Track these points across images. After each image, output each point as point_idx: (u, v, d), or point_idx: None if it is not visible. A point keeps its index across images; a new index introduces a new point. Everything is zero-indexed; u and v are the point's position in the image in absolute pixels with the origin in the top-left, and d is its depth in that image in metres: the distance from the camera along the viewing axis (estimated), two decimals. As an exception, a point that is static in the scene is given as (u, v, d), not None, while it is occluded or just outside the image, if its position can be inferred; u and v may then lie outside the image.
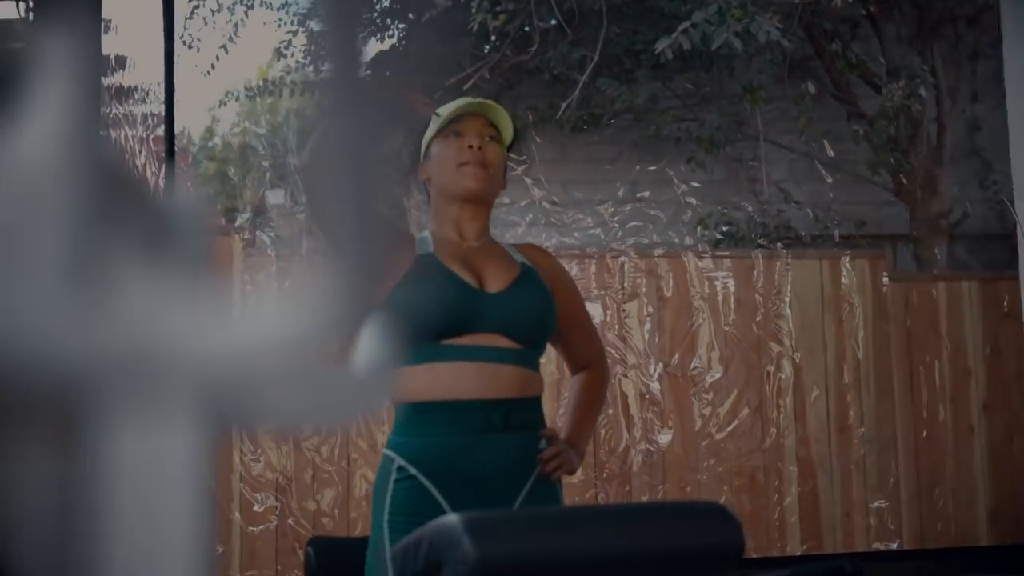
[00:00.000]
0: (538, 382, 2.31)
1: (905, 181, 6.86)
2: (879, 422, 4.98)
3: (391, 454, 2.20)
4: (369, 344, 0.81)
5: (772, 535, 4.82)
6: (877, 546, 4.89)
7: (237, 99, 7.23)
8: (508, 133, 2.38)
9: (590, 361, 2.54)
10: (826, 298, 5.04)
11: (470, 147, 2.29)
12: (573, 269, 4.82)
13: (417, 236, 2.33)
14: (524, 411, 2.25)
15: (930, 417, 5.03)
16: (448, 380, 2.17)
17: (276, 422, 0.61)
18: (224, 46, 7.50)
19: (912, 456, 4.99)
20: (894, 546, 4.90)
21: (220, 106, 7.62)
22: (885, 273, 5.10)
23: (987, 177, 7.56)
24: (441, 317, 2.18)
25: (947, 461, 5.02)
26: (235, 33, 7.60)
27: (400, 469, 2.18)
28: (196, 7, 7.86)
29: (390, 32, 8.35)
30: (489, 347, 2.20)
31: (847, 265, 5.06)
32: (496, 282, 2.26)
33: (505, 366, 2.21)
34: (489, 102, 2.36)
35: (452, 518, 1.86)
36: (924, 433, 5.01)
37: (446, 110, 2.34)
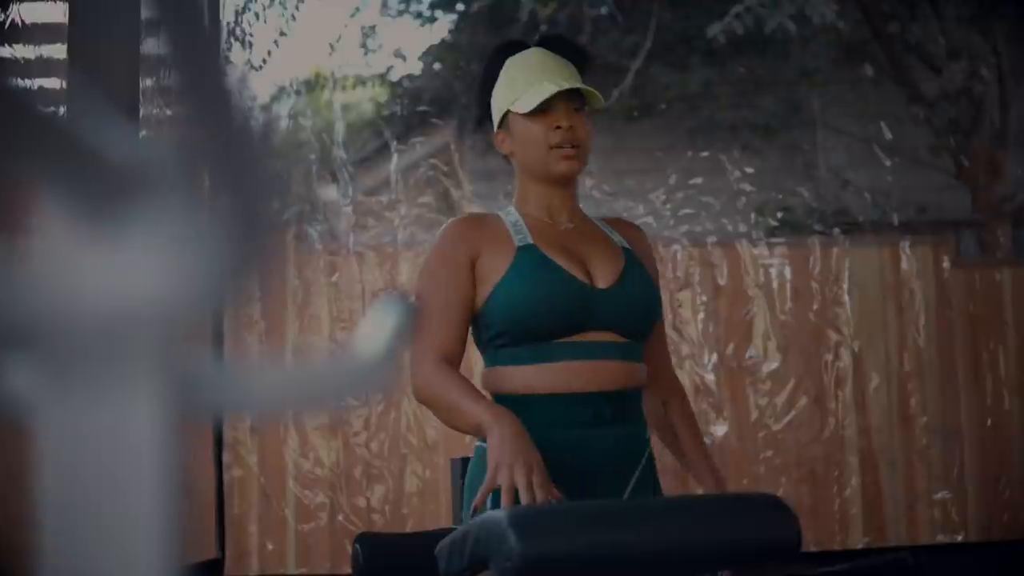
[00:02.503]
0: (643, 373, 2.23)
1: (967, 164, 6.70)
2: (942, 411, 4.85)
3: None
4: (375, 331, 0.75)
5: (833, 528, 4.72)
6: (941, 538, 4.76)
7: (288, 94, 7.23)
8: (595, 99, 2.21)
9: (658, 362, 2.37)
10: (886, 285, 4.92)
11: (558, 128, 2.16)
12: (625, 259, 4.75)
13: (502, 213, 2.23)
14: (631, 402, 2.19)
15: (995, 405, 4.89)
16: (558, 377, 2.09)
17: (252, 408, 0.57)
18: (276, 41, 7.50)
19: (977, 445, 4.86)
20: (959, 538, 4.78)
21: (272, 102, 7.62)
22: (947, 258, 4.97)
23: (1052, 159, 7.38)
24: (552, 318, 2.10)
25: (1013, 450, 4.89)
26: (287, 27, 7.61)
27: None
28: (248, 3, 7.88)
29: (439, 24, 8.32)
30: (599, 343, 2.12)
31: (907, 251, 4.94)
32: (605, 275, 2.17)
33: (614, 362, 2.14)
34: (572, 84, 2.17)
35: (498, 513, 1.80)
36: (989, 422, 4.88)
37: (526, 78, 2.18)
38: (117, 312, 0.44)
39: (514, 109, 2.18)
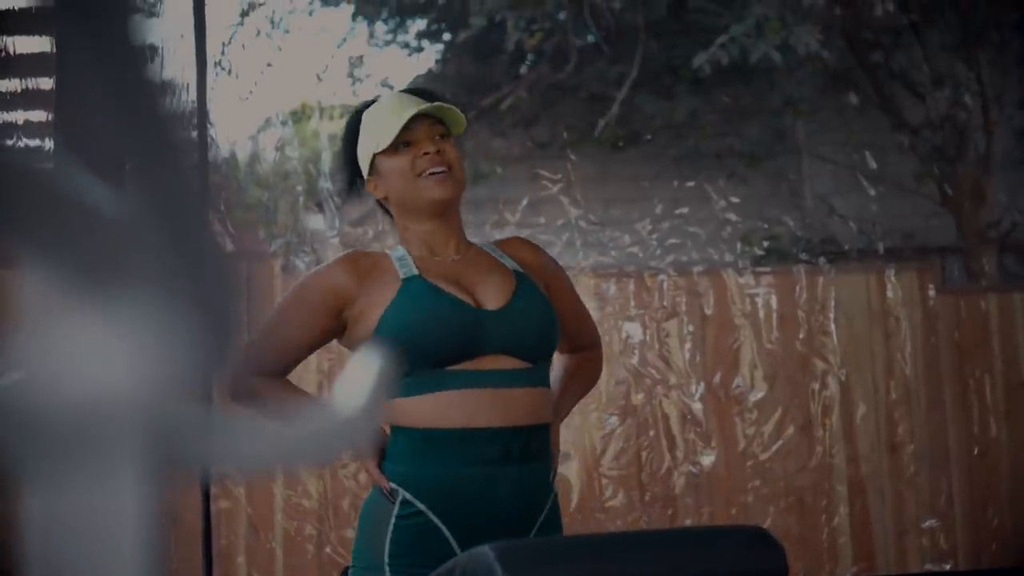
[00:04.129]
0: (550, 401, 2.16)
1: (952, 191, 6.74)
2: (930, 439, 4.86)
3: (392, 486, 2.04)
4: (352, 380, 0.75)
5: (821, 557, 4.72)
6: (930, 567, 4.76)
7: (274, 124, 7.25)
8: (457, 123, 2.16)
9: (586, 347, 2.39)
10: (872, 313, 4.94)
11: (426, 154, 2.11)
12: (611, 288, 4.75)
13: (391, 253, 2.16)
14: (540, 439, 2.11)
15: (982, 433, 4.90)
16: (459, 408, 2.02)
17: (237, 466, 0.57)
18: (263, 71, 7.53)
19: (965, 473, 4.86)
20: (948, 567, 4.78)
21: (259, 132, 7.64)
22: (932, 286, 4.99)
23: (1037, 185, 7.42)
24: (443, 342, 2.02)
25: (1001, 478, 4.89)
26: (273, 57, 7.63)
27: (405, 503, 2.02)
28: (233, 34, 7.90)
29: (426, 54, 8.35)
30: (498, 370, 2.04)
31: (893, 278, 4.96)
32: (495, 298, 2.10)
33: (518, 389, 2.06)
34: (427, 104, 2.13)
35: (484, 548, 1.80)
36: (976, 449, 4.88)
37: (383, 118, 2.14)
38: (103, 397, 0.44)
39: (378, 150, 2.14)
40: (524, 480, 2.06)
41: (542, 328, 2.13)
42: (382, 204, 2.23)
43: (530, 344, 2.10)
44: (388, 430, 2.12)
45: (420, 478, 2.03)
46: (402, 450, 2.05)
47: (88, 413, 0.45)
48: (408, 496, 2.02)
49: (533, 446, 2.08)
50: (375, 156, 2.16)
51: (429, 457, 2.02)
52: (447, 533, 2.01)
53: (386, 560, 2.01)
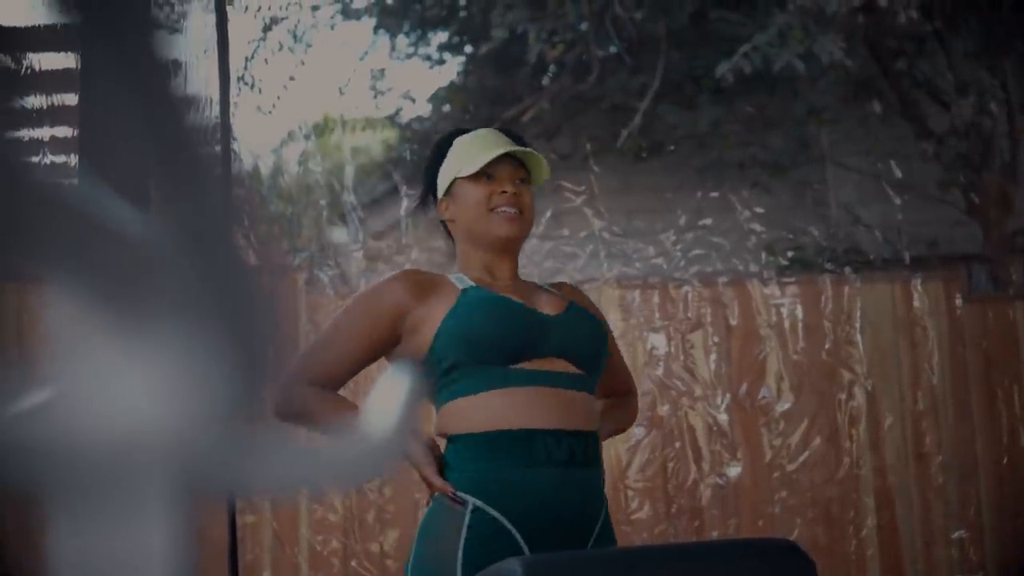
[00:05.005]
0: (598, 410, 2.21)
1: (977, 200, 6.68)
2: (958, 449, 4.82)
3: (460, 494, 2.02)
4: (385, 399, 0.75)
5: (850, 569, 4.68)
6: (959, 578, 4.72)
7: (297, 138, 7.27)
8: (540, 175, 2.27)
9: (623, 392, 2.48)
10: (898, 322, 4.90)
11: (503, 192, 2.21)
12: (635, 299, 4.74)
13: (451, 277, 2.23)
14: (596, 445, 2.15)
15: (1011, 442, 4.85)
16: (525, 408, 2.05)
17: (266, 492, 0.56)
18: (285, 85, 7.55)
19: (994, 483, 4.82)
20: (977, 578, 4.73)
21: (282, 146, 7.67)
22: (959, 295, 4.95)
23: (1063, 193, 7.35)
24: (508, 338, 2.09)
25: (1031, 488, 4.85)
26: (296, 71, 7.65)
27: (476, 511, 2.00)
28: (256, 49, 7.93)
29: (448, 66, 8.37)
30: (559, 372, 2.10)
31: (919, 287, 4.92)
32: (551, 308, 2.21)
33: (578, 393, 2.11)
34: (517, 147, 2.24)
35: (512, 563, 1.79)
36: (1005, 459, 4.84)
37: (473, 149, 2.26)
38: (130, 421, 0.43)
39: (460, 175, 2.23)
40: (588, 485, 2.10)
41: (595, 338, 2.22)
42: (446, 226, 2.32)
43: (586, 352, 2.17)
44: (438, 440, 2.13)
45: (488, 483, 2.02)
46: (464, 456, 2.05)
47: (115, 438, 0.44)
48: (478, 503, 2.01)
49: (592, 451, 2.12)
50: (455, 179, 2.25)
51: (496, 461, 2.03)
52: (519, 537, 2.00)
53: (459, 570, 1.99)
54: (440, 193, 2.30)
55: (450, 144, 2.32)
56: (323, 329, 2.24)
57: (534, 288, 2.29)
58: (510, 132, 2.37)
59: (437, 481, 2.04)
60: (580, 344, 2.16)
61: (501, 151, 2.21)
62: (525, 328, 2.11)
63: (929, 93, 6.96)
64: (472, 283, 2.19)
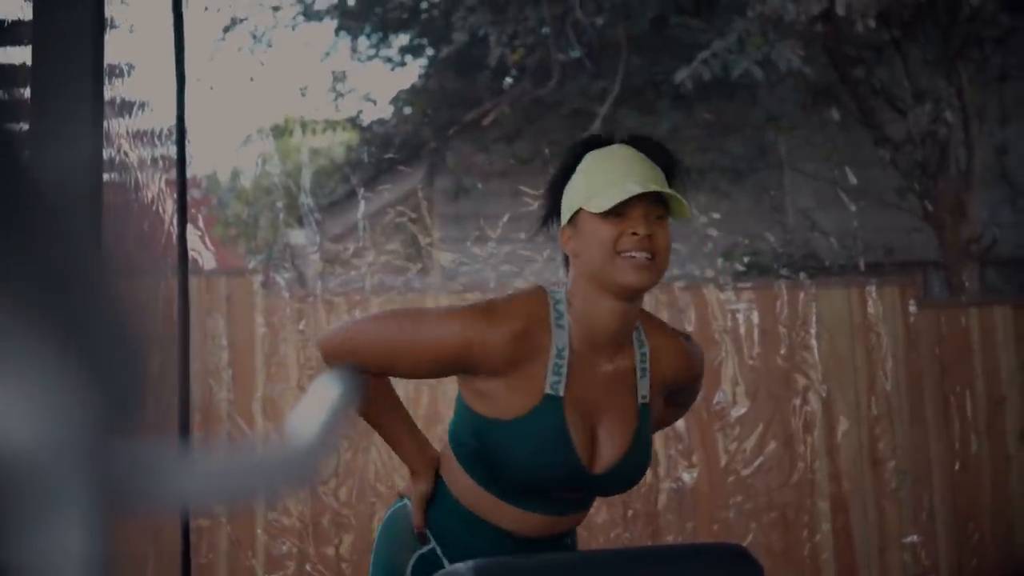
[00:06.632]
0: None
1: (933, 206, 6.75)
2: (912, 454, 4.86)
3: (430, 535, 2.07)
4: (314, 412, 0.74)
5: (804, 573, 4.71)
6: (912, 582, 4.76)
7: (256, 140, 7.24)
8: (680, 210, 1.93)
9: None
10: (853, 328, 4.94)
11: (634, 234, 1.87)
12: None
13: (553, 323, 1.97)
14: (573, 534, 2.16)
15: (964, 448, 4.91)
16: (520, 521, 2.00)
17: (180, 503, 0.55)
18: (245, 86, 7.52)
19: (947, 488, 4.87)
20: (929, 582, 4.77)
21: (241, 147, 7.64)
22: (914, 301, 4.99)
23: (1017, 200, 7.44)
24: (542, 486, 1.97)
25: (983, 492, 4.90)
26: (256, 74, 7.62)
27: (433, 550, 2.07)
28: (216, 50, 7.89)
29: (409, 69, 8.36)
30: (569, 500, 2.02)
31: (874, 293, 4.96)
32: (609, 453, 1.98)
33: (577, 514, 2.09)
34: (655, 187, 1.88)
35: (461, 566, 1.79)
36: (958, 464, 4.89)
37: (607, 176, 1.92)
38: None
39: (587, 208, 1.91)
40: (557, 545, 2.11)
41: (635, 481, 2.08)
42: (565, 253, 2.01)
43: (614, 493, 2.12)
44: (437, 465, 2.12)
45: (457, 544, 2.04)
46: (447, 508, 2.06)
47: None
48: (439, 552, 2.06)
49: (571, 538, 2.15)
50: (581, 210, 1.94)
51: (472, 532, 2.02)
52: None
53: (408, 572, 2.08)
54: (564, 220, 1.98)
55: (581, 157, 2.00)
56: (386, 326, 2.01)
57: (619, 378, 2.02)
58: (649, 144, 2.02)
59: (417, 516, 2.07)
60: (613, 491, 2.08)
61: (635, 191, 1.87)
62: (562, 483, 1.97)
63: (886, 101, 7.02)
64: (563, 377, 1.95)
